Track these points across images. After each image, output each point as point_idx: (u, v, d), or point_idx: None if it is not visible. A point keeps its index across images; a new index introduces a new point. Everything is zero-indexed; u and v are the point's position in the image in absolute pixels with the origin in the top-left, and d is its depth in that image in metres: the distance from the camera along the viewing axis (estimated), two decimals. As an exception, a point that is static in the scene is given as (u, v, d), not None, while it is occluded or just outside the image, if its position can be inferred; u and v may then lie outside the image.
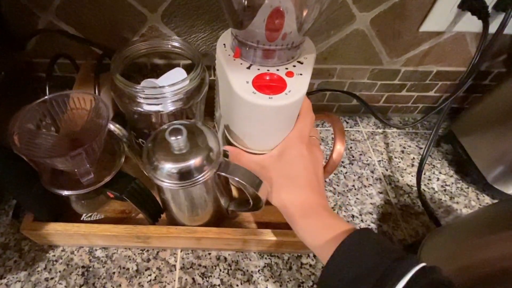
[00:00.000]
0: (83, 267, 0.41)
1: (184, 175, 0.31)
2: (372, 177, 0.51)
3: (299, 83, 0.33)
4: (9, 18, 0.45)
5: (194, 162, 0.31)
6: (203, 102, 0.42)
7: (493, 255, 0.29)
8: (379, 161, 0.53)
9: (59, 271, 0.40)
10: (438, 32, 0.45)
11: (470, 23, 0.41)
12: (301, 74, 0.34)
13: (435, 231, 0.39)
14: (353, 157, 0.54)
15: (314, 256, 0.42)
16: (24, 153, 0.31)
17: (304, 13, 0.30)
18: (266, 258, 0.42)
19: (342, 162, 0.53)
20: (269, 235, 0.39)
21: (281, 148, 0.36)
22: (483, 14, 0.39)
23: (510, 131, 0.45)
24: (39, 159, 0.31)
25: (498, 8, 0.40)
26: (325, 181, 0.50)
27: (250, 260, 0.42)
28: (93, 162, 0.34)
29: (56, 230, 0.38)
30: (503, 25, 0.36)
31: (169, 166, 0.31)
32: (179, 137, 0.30)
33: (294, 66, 0.35)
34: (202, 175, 0.32)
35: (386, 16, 0.43)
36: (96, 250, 0.42)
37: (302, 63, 0.35)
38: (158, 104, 0.36)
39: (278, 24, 0.30)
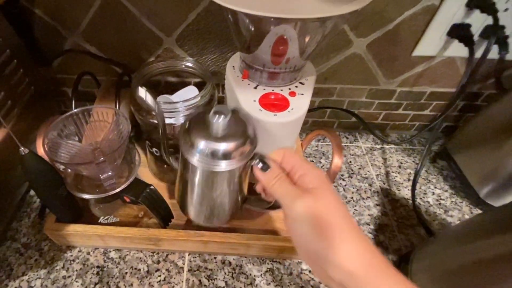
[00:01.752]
0: (98, 267, 0.44)
1: (217, 156, 0.31)
2: (370, 190, 0.54)
3: (300, 102, 0.37)
4: (40, 38, 0.50)
5: (229, 146, 0.31)
6: (213, 117, 0.46)
7: (480, 259, 0.32)
8: (377, 175, 0.56)
9: (76, 270, 0.44)
10: (430, 57, 0.49)
11: (459, 49, 0.45)
12: (302, 94, 0.38)
13: (427, 240, 0.42)
14: (352, 170, 0.57)
15: (313, 262, 0.45)
16: (53, 159, 0.35)
17: (306, 41, 0.34)
18: (268, 263, 0.45)
19: (342, 175, 0.56)
20: (271, 240, 0.42)
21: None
22: (469, 42, 0.43)
23: (499, 150, 0.48)
24: (67, 166, 0.35)
25: (484, 36, 0.44)
26: (325, 192, 0.53)
27: (253, 264, 0.45)
28: (114, 169, 0.38)
29: (76, 231, 0.42)
30: (486, 51, 0.40)
31: (205, 144, 0.31)
32: (221, 118, 0.30)
33: (296, 86, 0.39)
34: (234, 161, 0.32)
35: (381, 42, 0.48)
36: (110, 251, 0.45)
37: (303, 84, 0.39)
38: (171, 117, 0.40)
39: (282, 50, 0.35)
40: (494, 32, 0.40)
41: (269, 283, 0.43)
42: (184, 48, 0.51)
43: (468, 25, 0.44)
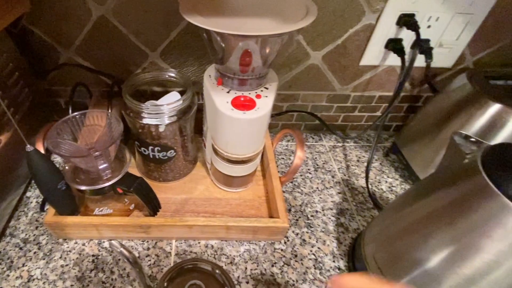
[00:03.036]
0: (93, 255, 0.49)
1: None
2: (333, 181, 0.63)
3: (265, 103, 0.45)
4: (38, 53, 0.56)
5: None
6: (193, 119, 0.53)
7: (409, 221, 0.39)
8: (339, 168, 0.65)
9: (73, 259, 0.48)
10: (374, 66, 0.59)
11: (395, 59, 0.55)
12: (266, 96, 0.46)
13: (376, 216, 0.50)
14: (317, 165, 0.65)
15: (285, 242, 0.52)
16: (56, 153, 0.41)
17: (266, 52, 0.42)
18: (245, 245, 0.51)
19: (309, 169, 0.64)
20: (246, 222, 0.49)
21: None
22: (400, 53, 0.53)
23: (434, 141, 0.57)
24: (68, 158, 0.41)
25: (413, 48, 0.54)
26: (295, 184, 0.61)
27: (233, 247, 0.51)
28: (109, 162, 0.44)
29: (73, 222, 0.47)
30: (412, 60, 0.50)
31: None
32: None
33: (262, 90, 0.47)
34: None
35: (333, 54, 0.57)
36: (104, 242, 0.51)
37: (267, 88, 0.47)
38: (157, 118, 0.47)
39: (248, 61, 0.43)
40: (418, 45, 0.50)
41: (247, 261, 0.50)
42: (167, 61, 0.58)
43: (400, 39, 0.54)
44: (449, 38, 0.54)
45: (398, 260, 0.39)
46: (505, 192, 0.29)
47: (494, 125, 0.49)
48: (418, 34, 0.50)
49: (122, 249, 0.33)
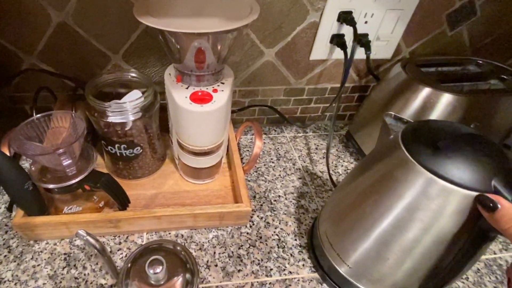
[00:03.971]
0: (65, 253, 0.50)
1: None
2: (294, 167, 0.67)
3: (221, 96, 0.49)
4: (-2, 62, 0.57)
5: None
6: (157, 116, 0.56)
7: (355, 194, 0.43)
8: (299, 156, 0.70)
9: (45, 259, 0.50)
10: (323, 60, 0.65)
11: (341, 53, 0.61)
12: (222, 90, 0.50)
13: (330, 196, 0.55)
14: (279, 155, 0.70)
15: (250, 226, 0.56)
16: (21, 153, 0.42)
17: (218, 49, 0.46)
18: (213, 232, 0.55)
19: (271, 158, 0.69)
20: (212, 209, 0.52)
21: None
22: (343, 47, 0.59)
23: (379, 125, 0.63)
24: (33, 157, 0.43)
25: (354, 42, 0.60)
26: (259, 173, 0.65)
27: (202, 234, 0.54)
28: (74, 159, 0.46)
29: (42, 222, 0.48)
30: (352, 52, 0.56)
31: None
32: (158, 270, 0.31)
33: (218, 85, 0.51)
34: None
35: (285, 51, 0.62)
36: (75, 240, 0.52)
37: (223, 83, 0.51)
38: (122, 116, 0.50)
39: (202, 58, 0.47)
40: (356, 39, 0.56)
41: (215, 246, 0.53)
42: (130, 63, 0.61)
43: (343, 35, 0.60)
44: (385, 32, 0.61)
45: (344, 235, 0.43)
46: (420, 162, 0.32)
47: (426, 107, 0.55)
48: (355, 29, 0.56)
49: (88, 237, 0.36)
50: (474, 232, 0.32)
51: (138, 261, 0.34)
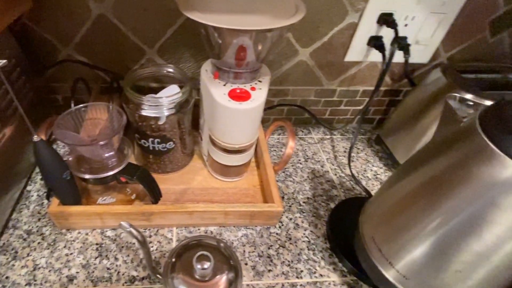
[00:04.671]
0: (97, 244, 0.51)
1: None
2: (322, 170, 0.67)
3: (259, 94, 0.49)
4: (37, 50, 0.58)
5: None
6: (190, 112, 0.56)
7: (396, 199, 0.39)
8: (327, 158, 0.69)
9: (77, 248, 0.50)
10: (358, 62, 0.64)
11: (377, 55, 0.60)
12: (260, 89, 0.50)
13: (369, 201, 0.53)
14: (307, 156, 0.69)
15: (279, 227, 0.56)
16: (63, 141, 0.43)
17: (259, 48, 0.46)
18: (243, 230, 0.55)
19: (299, 160, 0.68)
20: (243, 207, 0.52)
21: None
22: (381, 49, 0.58)
23: (413, 131, 0.62)
24: (76, 146, 0.43)
25: (392, 45, 0.59)
26: (287, 173, 0.65)
27: (231, 232, 0.54)
28: (114, 151, 0.46)
29: (78, 211, 0.49)
30: (391, 55, 0.55)
31: None
32: (206, 266, 0.31)
33: (256, 83, 0.50)
34: None
35: (320, 51, 0.62)
36: (107, 231, 0.53)
37: (261, 81, 0.51)
38: (157, 111, 0.50)
39: (243, 55, 0.46)
40: (396, 42, 0.55)
41: (245, 245, 0.53)
42: (164, 58, 0.61)
43: (381, 37, 0.59)
44: (425, 36, 0.60)
45: (397, 238, 0.37)
46: (506, 152, 0.27)
47: (466, 114, 0.54)
48: (396, 32, 0.55)
49: (131, 229, 0.36)
50: None
51: (183, 256, 0.34)
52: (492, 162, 0.28)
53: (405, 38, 0.58)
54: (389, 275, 0.39)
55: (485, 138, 0.28)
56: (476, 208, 0.29)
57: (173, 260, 0.34)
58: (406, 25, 0.58)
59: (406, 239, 0.36)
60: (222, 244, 0.36)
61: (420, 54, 0.63)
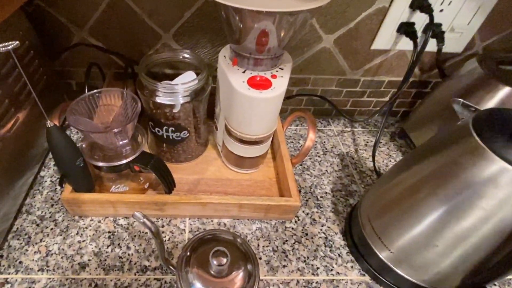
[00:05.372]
0: (109, 232, 0.50)
1: None
2: (342, 164, 0.64)
3: (280, 82, 0.46)
4: (51, 33, 0.56)
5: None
6: (206, 101, 0.54)
7: (403, 187, 0.41)
8: (347, 152, 0.66)
9: (89, 236, 0.50)
10: (385, 50, 0.60)
11: (407, 43, 0.56)
12: (282, 77, 0.47)
13: (373, 184, 0.50)
14: (326, 149, 0.66)
15: (295, 221, 0.53)
16: (76, 128, 0.41)
17: (282, 33, 0.43)
18: (257, 223, 0.53)
19: (317, 152, 0.65)
20: (259, 200, 0.50)
21: None
22: (413, 37, 0.53)
23: (441, 126, 0.58)
24: (90, 133, 0.42)
25: (425, 32, 0.55)
26: (304, 167, 0.62)
27: (245, 225, 0.52)
28: (128, 139, 0.45)
29: (91, 199, 0.48)
30: (425, 43, 0.51)
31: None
32: (223, 262, 0.30)
33: (277, 71, 0.47)
34: None
35: (345, 37, 0.58)
36: (119, 219, 0.52)
37: (282, 69, 0.48)
38: (172, 98, 0.48)
39: (265, 41, 0.43)
40: (430, 28, 0.51)
41: (259, 239, 0.51)
42: (179, 43, 0.59)
43: (413, 23, 0.55)
44: (461, 23, 0.55)
45: (394, 225, 0.41)
46: (493, 149, 0.31)
47: (503, 108, 0.50)
48: (431, 17, 0.50)
49: (145, 219, 0.34)
50: None
51: (198, 250, 0.33)
52: (479, 158, 0.32)
53: (439, 25, 0.54)
54: (371, 240, 0.45)
55: (476, 137, 0.33)
56: (463, 194, 0.34)
57: (188, 254, 0.33)
58: (441, 10, 0.53)
59: (401, 221, 0.40)
60: (239, 240, 0.34)
61: (454, 43, 0.58)
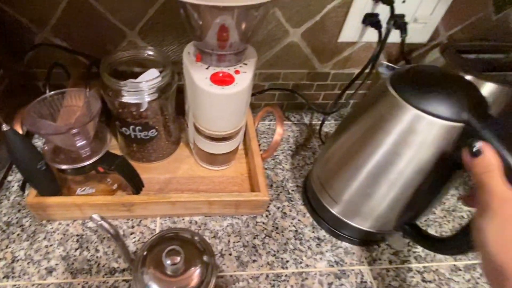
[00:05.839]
0: (77, 235, 0.49)
1: None
2: (314, 157, 0.64)
3: (243, 78, 0.46)
4: (11, 34, 0.55)
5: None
6: (173, 98, 0.54)
7: (344, 140, 0.45)
8: (319, 145, 0.66)
9: (57, 240, 0.49)
10: (353, 42, 0.60)
11: (372, 35, 0.56)
12: (245, 72, 0.46)
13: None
14: (299, 142, 0.67)
15: (267, 216, 0.54)
16: (34, 132, 0.40)
17: (243, 27, 0.43)
18: (228, 220, 0.53)
19: (290, 146, 0.65)
20: (228, 196, 0.50)
21: None
22: (377, 27, 0.54)
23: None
24: (46, 136, 0.41)
25: (389, 23, 0.55)
26: (276, 161, 0.62)
27: (216, 222, 0.52)
28: (88, 140, 0.44)
29: (55, 203, 0.47)
30: (387, 34, 0.51)
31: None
32: (176, 261, 0.30)
33: (241, 66, 0.47)
34: None
35: (312, 31, 0.58)
36: (88, 222, 0.51)
37: (246, 64, 0.47)
38: (137, 96, 0.47)
39: (226, 36, 0.43)
40: (392, 19, 0.51)
41: (230, 235, 0.51)
42: (146, 40, 0.58)
43: (377, 14, 0.55)
44: (424, 13, 0.55)
45: (339, 181, 0.46)
46: (408, 100, 0.35)
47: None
48: (392, 8, 0.51)
49: (102, 221, 0.34)
50: (448, 161, 0.35)
51: (155, 249, 0.32)
52: (397, 109, 0.36)
53: (402, 16, 0.54)
54: (324, 199, 0.49)
55: (392, 90, 0.37)
56: (389, 144, 0.38)
57: (145, 253, 0.32)
58: (404, 1, 0.54)
59: (344, 177, 0.45)
60: (196, 238, 0.34)
61: (418, 33, 0.59)
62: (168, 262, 0.29)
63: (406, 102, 0.35)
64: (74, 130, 0.41)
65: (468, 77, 0.49)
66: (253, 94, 0.66)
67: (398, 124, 0.36)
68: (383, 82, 0.39)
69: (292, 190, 0.58)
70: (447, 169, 0.37)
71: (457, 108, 0.33)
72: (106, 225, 0.34)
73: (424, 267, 0.49)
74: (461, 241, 0.36)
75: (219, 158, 0.57)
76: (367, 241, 0.51)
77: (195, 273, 0.31)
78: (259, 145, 0.65)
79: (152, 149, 0.57)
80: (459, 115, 0.33)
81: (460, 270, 0.49)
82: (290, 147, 0.65)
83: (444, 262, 0.50)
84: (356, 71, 0.65)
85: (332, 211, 0.48)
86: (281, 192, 0.57)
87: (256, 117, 0.62)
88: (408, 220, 0.44)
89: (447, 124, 0.33)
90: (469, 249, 0.35)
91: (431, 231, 0.54)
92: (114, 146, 0.60)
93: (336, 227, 0.50)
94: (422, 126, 0.35)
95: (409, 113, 0.35)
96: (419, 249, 0.51)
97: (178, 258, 0.29)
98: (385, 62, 0.41)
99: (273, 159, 0.63)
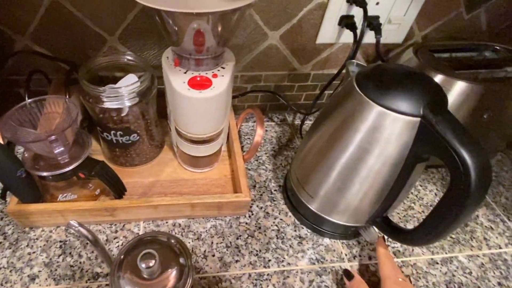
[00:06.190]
0: (60, 241, 0.50)
1: None
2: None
3: (221, 82, 0.46)
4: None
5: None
6: (154, 102, 0.54)
7: (317, 139, 0.46)
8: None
9: (40, 247, 0.49)
10: (330, 44, 0.61)
11: (349, 36, 0.57)
12: (223, 76, 0.47)
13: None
14: (281, 143, 0.68)
15: (249, 216, 0.54)
16: (12, 140, 0.41)
17: (218, 32, 0.43)
18: (211, 221, 0.53)
19: (273, 147, 0.66)
20: (210, 198, 0.50)
21: None
22: (353, 29, 0.55)
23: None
24: (24, 144, 0.41)
25: (363, 25, 0.56)
26: (259, 162, 0.63)
27: (199, 224, 0.53)
28: (66, 147, 0.44)
29: (37, 209, 0.47)
30: (361, 35, 0.53)
31: None
32: (150, 264, 0.30)
33: (219, 70, 0.48)
34: None
35: (290, 33, 0.59)
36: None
37: (224, 68, 0.48)
38: (117, 102, 0.48)
39: (202, 41, 0.44)
40: (365, 21, 0.52)
41: (213, 236, 0.52)
42: (126, 46, 0.58)
43: (352, 16, 0.56)
44: (397, 14, 0.57)
45: (315, 178, 0.47)
46: (371, 98, 0.36)
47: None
48: (365, 11, 0.52)
49: (80, 227, 0.34)
50: (412, 155, 0.37)
51: (131, 253, 0.33)
52: (362, 107, 0.37)
53: (377, 17, 0.56)
54: (302, 196, 0.50)
55: (357, 88, 0.38)
56: (358, 140, 0.39)
57: (121, 257, 0.33)
58: (377, 3, 0.55)
59: (319, 175, 0.46)
60: (173, 240, 0.34)
61: (393, 34, 0.60)
62: (143, 265, 0.30)
63: (371, 100, 0.36)
64: (52, 137, 0.41)
65: (441, 76, 0.51)
66: (235, 96, 0.67)
67: (365, 121, 0.38)
68: (350, 80, 0.40)
69: (275, 190, 0.59)
70: (411, 162, 0.38)
71: (415, 104, 0.35)
72: (84, 231, 0.34)
73: (402, 261, 0.51)
74: (422, 232, 0.38)
75: (202, 160, 0.57)
76: (348, 234, 0.52)
77: (171, 275, 0.32)
78: (243, 146, 0.66)
79: (135, 153, 0.57)
80: (418, 111, 0.34)
81: (437, 263, 0.51)
82: (273, 147, 0.66)
83: (421, 256, 0.52)
84: (335, 71, 0.66)
85: (311, 207, 0.50)
86: (264, 192, 0.58)
87: (238, 119, 0.63)
88: (379, 213, 0.45)
89: (408, 119, 0.35)
90: (432, 239, 0.38)
91: (410, 226, 0.56)
92: (98, 151, 0.60)
93: (316, 223, 0.52)
94: (386, 122, 0.36)
95: (374, 110, 0.36)
96: (398, 245, 0.53)
97: (153, 261, 0.30)
98: (355, 61, 0.42)
99: (257, 160, 0.64)
